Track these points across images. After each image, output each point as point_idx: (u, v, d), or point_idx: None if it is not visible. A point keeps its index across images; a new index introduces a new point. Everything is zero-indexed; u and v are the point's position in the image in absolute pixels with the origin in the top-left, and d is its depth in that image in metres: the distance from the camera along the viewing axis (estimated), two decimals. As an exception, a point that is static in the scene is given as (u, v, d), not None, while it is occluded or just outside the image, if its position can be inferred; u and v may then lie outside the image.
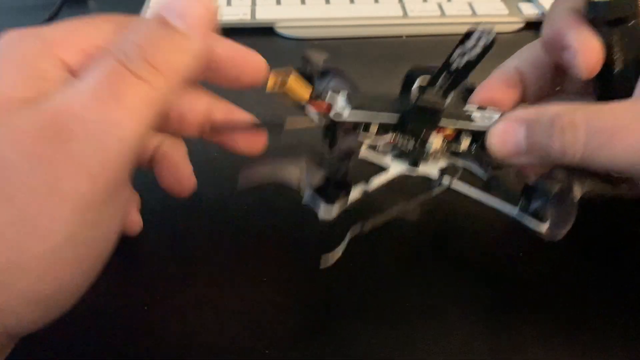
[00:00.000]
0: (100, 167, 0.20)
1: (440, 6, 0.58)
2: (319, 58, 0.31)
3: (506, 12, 0.57)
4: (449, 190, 0.29)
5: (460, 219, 0.35)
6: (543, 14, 0.57)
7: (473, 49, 0.23)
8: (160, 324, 0.28)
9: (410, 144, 0.29)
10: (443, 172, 0.29)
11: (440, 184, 0.29)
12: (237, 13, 0.57)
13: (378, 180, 0.29)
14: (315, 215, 0.27)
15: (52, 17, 0.56)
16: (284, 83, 0.26)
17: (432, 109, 0.27)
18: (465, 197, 0.29)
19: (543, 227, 0.27)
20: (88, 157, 0.20)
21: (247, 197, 0.35)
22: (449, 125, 0.28)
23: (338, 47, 0.53)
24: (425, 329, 0.29)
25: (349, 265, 0.32)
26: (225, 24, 0.56)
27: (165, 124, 0.28)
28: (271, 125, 0.28)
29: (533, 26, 0.56)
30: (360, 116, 0.28)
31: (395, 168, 0.30)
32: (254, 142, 0.30)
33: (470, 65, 0.25)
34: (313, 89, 0.28)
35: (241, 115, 0.30)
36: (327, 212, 0.25)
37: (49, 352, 0.27)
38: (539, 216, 0.27)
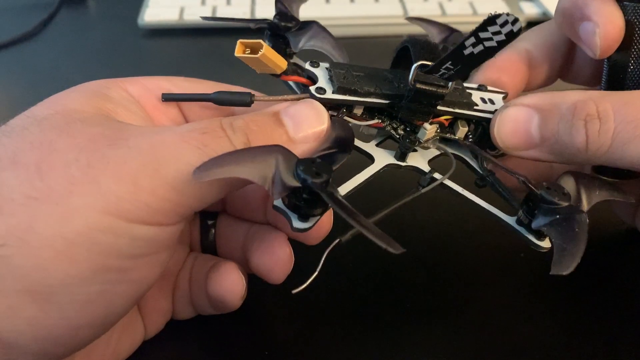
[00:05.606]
0: (145, 180, 0.19)
1: (441, 5, 0.57)
2: (296, 8, 0.25)
3: (507, 11, 0.57)
4: (443, 187, 0.25)
5: (459, 219, 0.35)
6: (544, 14, 0.56)
7: (496, 35, 0.20)
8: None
9: (400, 129, 0.25)
10: (433, 168, 0.26)
11: (430, 179, 0.25)
12: (236, 12, 0.57)
13: (362, 176, 0.24)
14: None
15: (51, 17, 0.56)
16: (255, 50, 0.23)
17: (432, 93, 0.23)
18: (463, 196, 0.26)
19: (543, 244, 0.23)
20: (135, 167, 0.19)
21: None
22: (447, 112, 0.25)
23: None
24: (425, 330, 0.29)
25: (348, 267, 0.32)
26: (225, 24, 0.56)
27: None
28: (237, 100, 0.24)
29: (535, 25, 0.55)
30: (346, 97, 0.24)
31: (381, 160, 0.25)
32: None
33: (490, 52, 0.21)
34: (290, 60, 0.25)
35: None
36: (301, 224, 0.21)
37: None
38: (540, 235, 0.23)
